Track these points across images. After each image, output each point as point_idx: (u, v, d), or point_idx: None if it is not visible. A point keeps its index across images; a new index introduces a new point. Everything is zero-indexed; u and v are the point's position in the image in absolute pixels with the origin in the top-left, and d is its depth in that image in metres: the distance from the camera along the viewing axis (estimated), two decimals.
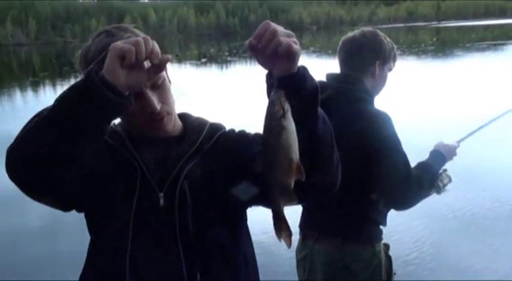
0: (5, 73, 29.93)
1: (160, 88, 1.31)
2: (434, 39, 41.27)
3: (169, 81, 1.38)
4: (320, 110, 1.19)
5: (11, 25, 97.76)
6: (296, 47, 1.08)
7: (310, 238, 2.28)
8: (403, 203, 2.15)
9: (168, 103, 1.33)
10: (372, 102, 2.21)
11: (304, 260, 2.33)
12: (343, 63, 2.29)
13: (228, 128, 1.50)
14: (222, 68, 25.65)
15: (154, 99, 1.28)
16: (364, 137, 2.03)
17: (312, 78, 1.15)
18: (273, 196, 1.11)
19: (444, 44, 33.27)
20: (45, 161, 1.12)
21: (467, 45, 28.91)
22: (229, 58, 30.95)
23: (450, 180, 2.25)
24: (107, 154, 1.34)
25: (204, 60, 30.79)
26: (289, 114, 1.05)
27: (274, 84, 1.11)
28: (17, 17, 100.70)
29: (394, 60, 2.31)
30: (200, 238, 1.32)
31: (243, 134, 1.45)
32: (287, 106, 1.05)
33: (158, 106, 1.28)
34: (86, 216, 1.38)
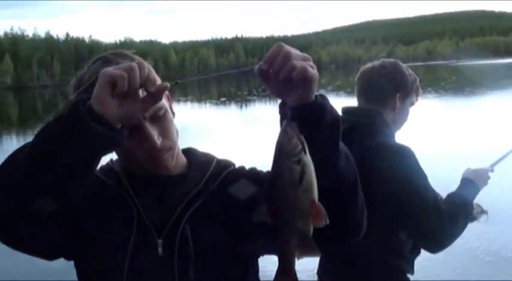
0: (30, 115, 30.53)
1: (161, 121, 1.17)
2: (454, 77, 41.20)
3: (173, 113, 1.24)
4: (342, 145, 1.05)
5: (36, 67, 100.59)
6: (313, 72, 0.95)
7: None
8: (439, 243, 1.94)
9: (170, 137, 1.19)
10: (392, 136, 2.05)
11: None
12: (360, 96, 2.14)
13: (238, 164, 1.34)
14: (241, 107, 25.88)
15: (153, 133, 1.14)
16: (386, 174, 1.87)
17: (332, 108, 1.02)
18: (286, 246, 0.94)
19: (464, 82, 33.17)
20: (22, 195, 1.00)
21: (490, 83, 28.79)
22: (248, 97, 31.25)
23: (482, 210, 2.05)
24: (100, 192, 1.21)
25: (223, 99, 31.12)
26: (307, 149, 0.92)
27: (287, 115, 0.98)
28: (43, 59, 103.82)
29: (417, 94, 2.14)
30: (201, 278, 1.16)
31: (254, 172, 1.28)
32: (303, 139, 0.92)
33: (158, 141, 1.15)
34: (75, 264, 1.24)
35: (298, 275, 0.96)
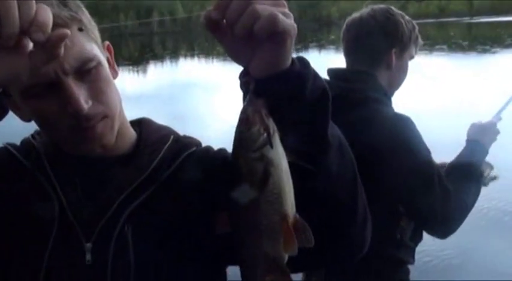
0: None
1: (91, 78, 0.88)
2: (467, 35, 40.29)
3: (115, 72, 0.97)
4: (334, 131, 0.77)
5: None
6: (287, 22, 0.65)
7: (317, 278, 1.78)
8: (447, 228, 1.69)
9: (105, 102, 0.90)
10: (388, 104, 1.74)
11: None
12: (349, 54, 1.81)
13: (207, 144, 1.04)
14: None
15: (79, 93, 0.85)
16: (382, 151, 1.58)
17: (316, 77, 0.74)
18: (249, 272, 0.70)
19: (477, 40, 32.50)
20: None
21: (504, 41, 28.12)
22: None
23: (491, 167, 1.82)
24: (12, 177, 0.95)
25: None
26: (276, 140, 0.64)
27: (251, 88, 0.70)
28: None
29: (416, 44, 1.82)
30: None
31: (221, 157, 0.98)
32: (272, 125, 0.64)
33: (86, 105, 0.86)
34: None
35: None
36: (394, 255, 1.74)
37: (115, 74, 0.96)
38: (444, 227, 1.69)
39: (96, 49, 0.91)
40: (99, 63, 0.90)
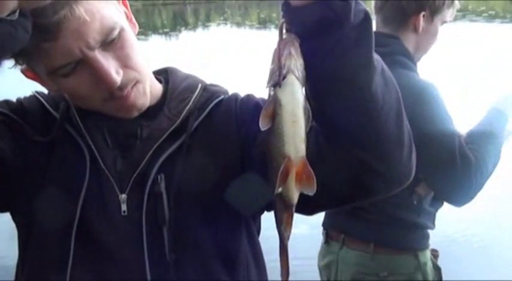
0: None
1: (117, 45, 0.87)
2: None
3: (134, 24, 0.94)
4: (376, 57, 0.77)
5: None
6: None
7: (336, 242, 1.85)
8: (466, 196, 1.68)
9: (134, 66, 0.90)
10: (413, 69, 1.70)
11: (327, 268, 1.90)
12: (377, 12, 1.75)
13: (235, 92, 1.03)
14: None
15: (110, 65, 0.85)
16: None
17: (357, 3, 0.72)
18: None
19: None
20: None
21: None
22: None
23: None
24: (40, 126, 0.94)
25: (263, 24, 30.46)
26: (290, 80, 0.65)
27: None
28: None
29: (452, 8, 1.74)
30: (180, 264, 0.90)
31: (251, 102, 0.99)
32: (293, 63, 0.66)
33: (118, 76, 0.86)
34: (13, 219, 0.99)
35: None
36: (413, 220, 1.75)
37: (134, 29, 0.94)
38: (462, 196, 1.69)
39: (114, 11, 0.89)
40: (122, 29, 0.88)
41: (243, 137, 0.93)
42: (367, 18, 0.74)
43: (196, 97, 0.97)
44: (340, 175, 0.80)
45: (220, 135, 0.95)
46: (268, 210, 0.93)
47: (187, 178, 0.91)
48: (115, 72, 0.85)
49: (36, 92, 1.01)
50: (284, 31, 0.70)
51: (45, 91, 1.01)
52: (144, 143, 0.93)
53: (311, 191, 0.68)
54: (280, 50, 0.65)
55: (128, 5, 0.95)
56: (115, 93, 0.88)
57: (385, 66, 0.79)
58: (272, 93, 0.66)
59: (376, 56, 0.77)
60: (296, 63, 0.66)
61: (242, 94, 1.04)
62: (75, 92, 0.89)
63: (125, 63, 0.88)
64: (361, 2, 0.74)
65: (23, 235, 0.96)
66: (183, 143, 0.93)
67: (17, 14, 0.71)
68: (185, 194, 0.91)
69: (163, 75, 1.03)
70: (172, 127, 0.93)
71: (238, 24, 29.20)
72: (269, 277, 1.08)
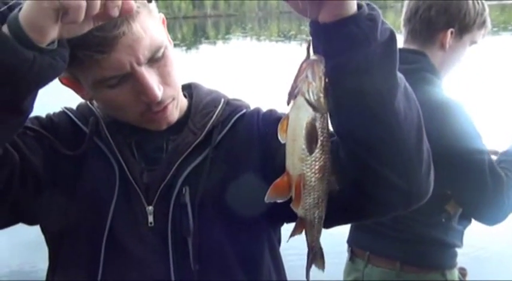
0: None
1: (161, 63, 0.91)
2: None
3: (170, 41, 0.97)
4: (400, 75, 0.79)
5: None
6: None
7: (361, 259, 1.80)
8: (498, 215, 1.63)
9: (173, 84, 0.94)
10: (438, 85, 1.64)
11: None
12: (405, 26, 1.72)
13: (255, 106, 1.06)
14: (301, 45, 25.39)
15: (153, 81, 0.89)
16: (432, 136, 1.36)
17: (383, 22, 0.76)
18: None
19: None
20: None
21: None
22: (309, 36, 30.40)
23: None
24: (69, 140, 0.97)
25: (282, 38, 30.62)
26: (299, 101, 0.70)
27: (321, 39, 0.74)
28: None
29: (483, 29, 1.69)
30: (203, 274, 0.93)
31: (273, 116, 1.01)
32: (305, 86, 0.70)
33: (160, 92, 0.90)
34: (41, 229, 1.01)
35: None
36: (441, 238, 1.71)
37: (170, 45, 0.97)
38: (494, 215, 1.64)
39: (161, 29, 0.94)
40: (166, 47, 0.92)
41: (265, 150, 0.96)
42: (392, 37, 0.76)
43: (219, 111, 1.00)
44: (358, 188, 0.82)
45: (243, 148, 0.98)
46: (288, 222, 0.96)
47: (211, 189, 0.94)
48: (157, 88, 0.89)
49: (66, 108, 1.04)
50: (311, 49, 0.74)
51: (73, 106, 1.06)
52: (169, 156, 0.96)
53: (293, 207, 0.77)
54: (301, 71, 0.70)
55: (165, 25, 0.99)
56: (153, 108, 0.92)
57: (407, 84, 0.81)
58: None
59: (399, 74, 0.79)
60: (309, 87, 0.70)
61: (263, 107, 1.06)
62: (114, 102, 0.92)
63: (165, 80, 0.92)
64: (385, 22, 0.77)
65: (53, 245, 0.99)
66: (207, 156, 0.96)
67: (55, 43, 0.75)
68: (209, 206, 0.94)
69: (187, 90, 1.07)
70: (197, 141, 0.96)
71: (258, 37, 29.41)
72: None
